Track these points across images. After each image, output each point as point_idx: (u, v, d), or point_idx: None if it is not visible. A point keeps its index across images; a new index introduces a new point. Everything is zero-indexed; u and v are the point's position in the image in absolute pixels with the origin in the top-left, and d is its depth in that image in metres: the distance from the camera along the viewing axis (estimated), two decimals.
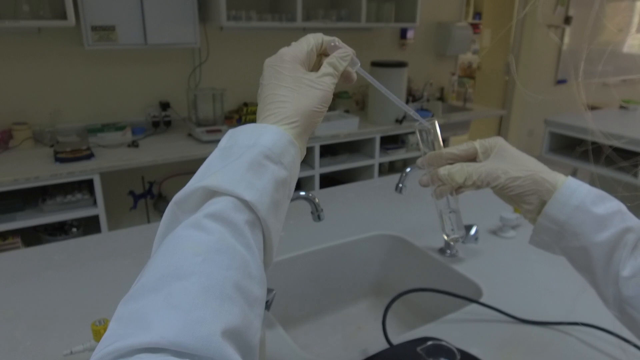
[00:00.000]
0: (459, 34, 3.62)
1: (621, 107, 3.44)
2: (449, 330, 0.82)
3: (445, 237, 0.66)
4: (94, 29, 2.28)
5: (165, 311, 0.31)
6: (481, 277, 0.99)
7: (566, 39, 4.66)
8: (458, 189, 0.61)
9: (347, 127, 2.82)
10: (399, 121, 2.99)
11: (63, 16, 2.14)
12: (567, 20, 4.54)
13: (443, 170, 0.59)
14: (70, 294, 0.92)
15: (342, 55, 0.53)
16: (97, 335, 0.69)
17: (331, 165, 2.82)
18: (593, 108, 4.09)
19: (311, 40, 0.53)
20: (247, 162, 0.41)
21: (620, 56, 5.26)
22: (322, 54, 0.54)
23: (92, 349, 0.70)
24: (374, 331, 1.08)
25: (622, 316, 0.55)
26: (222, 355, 0.30)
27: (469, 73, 5.53)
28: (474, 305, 0.88)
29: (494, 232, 1.19)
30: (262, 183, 0.41)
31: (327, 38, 0.54)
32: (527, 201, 0.57)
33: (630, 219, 0.54)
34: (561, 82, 4.79)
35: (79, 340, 0.71)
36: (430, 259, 1.10)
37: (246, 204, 0.39)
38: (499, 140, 0.62)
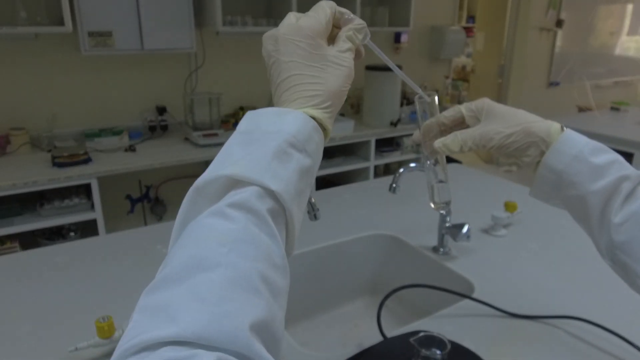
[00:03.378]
0: (453, 37, 3.67)
1: (612, 108, 3.49)
2: (441, 325, 0.84)
3: (432, 205, 0.69)
4: (91, 34, 2.30)
5: (192, 304, 0.30)
6: (473, 274, 1.02)
7: (558, 42, 4.72)
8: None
9: (342, 130, 2.85)
10: (394, 124, 3.02)
11: (60, 22, 2.16)
12: (559, 23, 4.59)
13: (437, 144, 0.62)
14: (73, 294, 0.94)
15: (358, 27, 0.49)
16: (101, 332, 0.72)
17: (327, 167, 2.85)
18: (585, 110, 4.14)
19: (327, 10, 0.48)
20: (272, 150, 0.39)
21: (613, 58, 5.32)
22: (335, 25, 0.50)
23: (96, 345, 0.72)
24: (370, 328, 1.10)
25: (615, 264, 0.56)
26: (249, 350, 0.30)
27: (463, 76, 5.59)
28: (466, 301, 0.90)
29: (486, 231, 1.22)
30: (287, 173, 0.39)
31: (340, 8, 0.49)
32: (525, 154, 0.59)
33: (627, 168, 0.56)
34: (553, 84, 4.84)
35: (83, 337, 0.73)
36: (424, 257, 1.12)
37: (271, 193, 0.38)
38: (485, 101, 0.63)
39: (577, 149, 0.57)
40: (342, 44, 0.48)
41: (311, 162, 0.42)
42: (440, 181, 0.67)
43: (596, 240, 0.58)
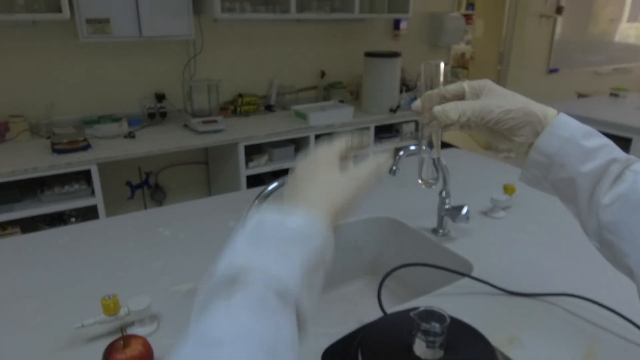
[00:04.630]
0: (452, 24, 3.65)
1: (611, 94, 3.49)
2: (441, 302, 0.85)
3: (420, 181, 0.70)
4: (89, 21, 2.29)
5: None
6: (472, 254, 1.03)
7: (558, 29, 4.70)
8: (445, 127, 0.64)
9: (341, 117, 2.85)
10: (393, 110, 3.02)
11: (58, 9, 2.15)
12: (559, 10, 4.58)
13: (437, 108, 0.62)
14: (77, 274, 0.95)
15: (382, 160, 0.54)
16: (107, 309, 0.73)
17: None
18: (584, 96, 4.14)
19: (343, 143, 0.55)
20: (276, 244, 0.42)
21: (612, 45, 5.31)
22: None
23: (102, 322, 0.73)
24: (371, 307, 1.12)
25: (602, 246, 0.57)
26: None
27: (462, 63, 5.57)
28: (465, 280, 0.92)
29: (485, 213, 1.23)
30: (291, 261, 0.41)
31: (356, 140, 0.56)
32: (519, 134, 0.60)
33: (617, 151, 0.57)
34: (553, 71, 4.84)
35: (88, 315, 0.74)
36: (424, 238, 1.14)
37: (278, 280, 0.39)
38: (487, 82, 0.64)
39: (569, 132, 0.57)
40: (358, 168, 0.53)
41: (316, 255, 0.44)
42: (433, 159, 0.68)
43: (584, 222, 0.59)
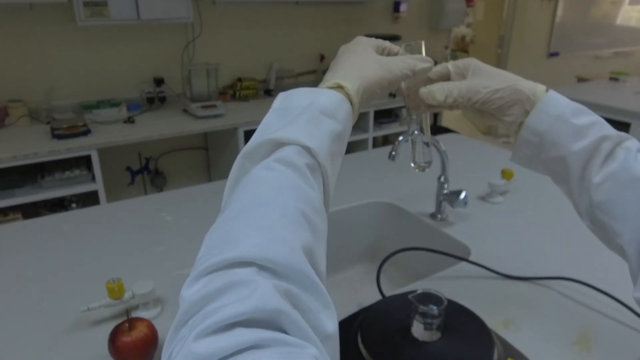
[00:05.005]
0: (453, 7, 3.62)
1: (611, 78, 3.48)
2: (438, 286, 0.87)
3: (413, 164, 0.71)
4: (86, 4, 2.27)
5: (249, 232, 0.36)
6: (470, 238, 1.04)
7: (559, 12, 4.66)
8: (432, 108, 0.65)
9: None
10: (393, 95, 3.01)
11: None
12: None
13: (424, 89, 0.62)
14: (81, 258, 0.97)
15: (421, 59, 0.58)
16: (112, 292, 0.74)
17: None
18: (584, 80, 4.13)
19: (387, 43, 0.60)
20: (306, 118, 0.46)
21: (614, 28, 5.27)
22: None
23: (107, 306, 0.75)
24: (370, 291, 1.14)
25: (594, 226, 0.58)
26: (300, 267, 0.35)
27: (462, 46, 5.53)
28: (462, 264, 0.94)
29: (483, 198, 1.24)
30: (320, 134, 0.45)
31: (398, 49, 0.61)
32: (508, 113, 0.60)
33: (608, 129, 0.57)
34: (553, 54, 4.81)
35: (93, 299, 0.76)
36: (422, 223, 1.15)
37: (308, 150, 0.44)
38: (472, 60, 0.64)
39: (559, 109, 0.57)
40: (395, 56, 0.59)
41: (341, 128, 0.48)
42: (425, 142, 0.69)
43: (576, 202, 0.59)
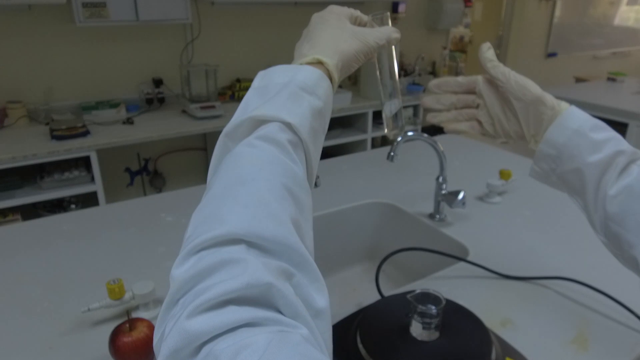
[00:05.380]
0: (451, 7, 3.63)
1: (609, 79, 3.49)
2: (437, 286, 0.88)
3: (386, 130, 0.71)
4: (85, 5, 2.27)
5: (237, 208, 0.36)
6: (468, 239, 1.05)
7: (557, 12, 4.67)
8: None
9: (339, 102, 2.85)
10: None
11: None
12: None
13: (492, 61, 0.65)
14: (82, 259, 0.97)
15: (391, 35, 0.58)
16: (112, 293, 0.75)
17: (324, 140, 2.85)
18: (582, 80, 4.14)
19: (358, 12, 0.60)
20: (286, 94, 0.45)
21: (611, 28, 5.28)
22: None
23: (107, 306, 0.76)
24: (369, 291, 1.14)
25: (608, 239, 0.59)
26: (289, 242, 0.35)
27: (460, 47, 5.54)
28: (460, 264, 0.94)
29: (481, 198, 1.25)
30: (301, 110, 0.45)
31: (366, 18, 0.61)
32: (528, 101, 0.62)
33: (624, 144, 0.58)
34: (551, 55, 4.82)
35: (94, 299, 0.76)
36: (421, 223, 1.16)
37: (289, 127, 0.44)
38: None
39: (578, 124, 0.59)
40: (368, 27, 0.59)
41: (322, 104, 0.48)
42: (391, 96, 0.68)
43: (590, 215, 0.60)
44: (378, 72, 0.67)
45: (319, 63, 0.50)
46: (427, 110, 0.73)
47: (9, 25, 2.34)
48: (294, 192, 0.40)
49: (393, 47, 0.63)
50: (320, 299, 0.35)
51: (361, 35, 0.54)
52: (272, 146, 0.42)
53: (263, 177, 0.39)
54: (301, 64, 0.50)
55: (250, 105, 0.47)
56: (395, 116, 0.69)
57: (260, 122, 0.44)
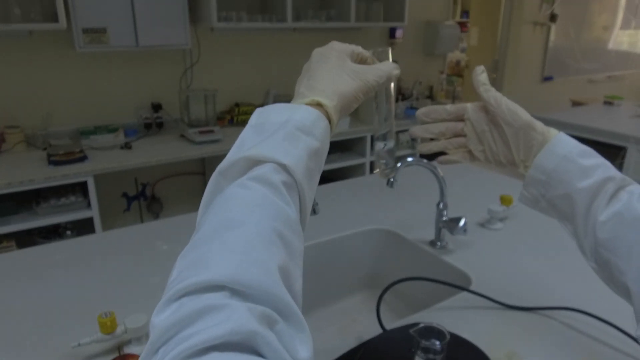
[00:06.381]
0: (447, 32, 3.68)
1: (605, 102, 3.51)
2: (439, 317, 0.85)
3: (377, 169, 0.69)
4: (85, 31, 2.29)
5: (223, 254, 0.35)
6: (470, 266, 1.03)
7: (552, 37, 4.74)
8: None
9: (338, 127, 2.84)
10: None
11: (54, 19, 2.15)
12: (553, 18, 4.61)
13: (486, 86, 0.64)
14: (73, 291, 0.94)
15: (392, 72, 0.57)
16: (104, 327, 0.72)
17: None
18: (579, 104, 4.17)
19: (360, 48, 0.59)
20: (282, 134, 0.45)
21: (606, 52, 5.35)
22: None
23: (99, 341, 0.73)
24: (369, 322, 1.12)
25: (599, 266, 0.58)
26: (275, 291, 0.33)
27: (457, 71, 5.60)
28: (463, 294, 0.92)
29: (482, 225, 1.23)
30: (297, 151, 0.44)
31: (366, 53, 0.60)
32: (530, 144, 0.61)
33: (613, 171, 0.58)
34: (547, 79, 4.87)
35: (85, 333, 0.74)
36: (421, 251, 1.14)
37: (284, 168, 0.43)
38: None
39: (566, 149, 0.59)
40: (369, 61, 0.59)
41: (318, 144, 0.47)
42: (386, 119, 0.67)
43: (581, 241, 0.60)
44: (375, 108, 0.66)
45: (317, 105, 0.50)
46: (415, 140, 0.72)
47: (9, 51, 2.35)
48: (285, 236, 0.39)
49: (392, 83, 0.63)
50: (304, 350, 0.33)
51: (362, 74, 0.54)
52: (266, 188, 0.41)
53: (253, 220, 0.38)
54: (300, 103, 0.50)
55: (246, 143, 0.46)
56: (388, 154, 0.68)
57: (255, 162, 0.43)
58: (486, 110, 0.65)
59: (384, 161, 0.69)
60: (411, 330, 0.62)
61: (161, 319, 0.32)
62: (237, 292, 0.33)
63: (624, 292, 0.56)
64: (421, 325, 0.63)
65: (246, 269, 0.34)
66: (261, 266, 0.35)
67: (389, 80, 0.57)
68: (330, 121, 0.50)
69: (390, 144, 0.68)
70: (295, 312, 0.34)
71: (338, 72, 0.53)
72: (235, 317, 0.30)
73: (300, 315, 0.35)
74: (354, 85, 0.53)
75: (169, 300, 0.33)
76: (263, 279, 0.34)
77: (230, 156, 0.44)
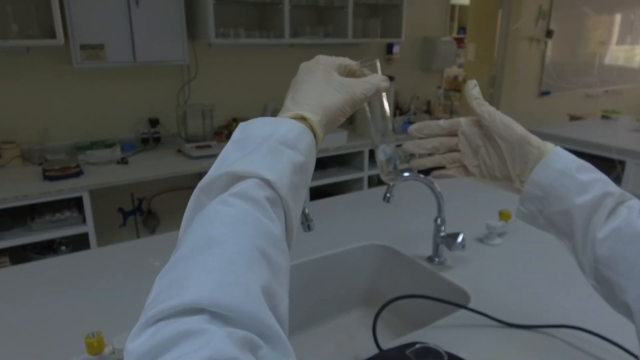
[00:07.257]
0: (444, 48, 3.70)
1: (603, 116, 3.52)
2: (438, 335, 0.83)
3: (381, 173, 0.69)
4: (83, 47, 2.30)
5: (202, 274, 0.33)
6: (469, 283, 1.01)
7: (549, 52, 4.77)
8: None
9: (336, 141, 2.85)
10: None
11: (52, 35, 2.16)
12: (549, 33, 4.65)
13: (474, 89, 0.64)
14: (63, 309, 0.92)
15: (380, 84, 0.56)
16: (91, 347, 0.70)
17: (321, 178, 2.84)
18: (576, 118, 4.18)
19: (347, 60, 0.59)
20: (265, 148, 0.43)
21: (602, 67, 5.39)
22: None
23: None
24: (366, 339, 1.09)
25: (599, 284, 0.56)
26: (257, 313, 0.32)
27: (454, 86, 5.63)
28: (462, 311, 0.90)
29: (481, 240, 1.22)
30: (280, 165, 0.43)
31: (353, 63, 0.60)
32: (525, 159, 0.60)
33: (611, 186, 0.57)
34: (545, 93, 4.89)
35: (72, 353, 0.71)
36: (419, 267, 1.12)
37: (267, 183, 0.41)
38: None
39: (564, 164, 0.58)
40: (357, 74, 0.58)
41: (303, 159, 0.45)
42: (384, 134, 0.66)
43: (580, 258, 0.58)
44: (369, 117, 0.65)
45: (302, 119, 0.48)
46: (413, 155, 0.71)
47: (7, 67, 2.35)
48: (269, 254, 0.37)
49: (383, 93, 0.62)
50: None
51: (348, 87, 0.53)
52: (248, 204, 0.39)
53: (234, 239, 0.36)
54: (284, 117, 0.49)
55: (228, 158, 0.44)
56: (390, 160, 0.66)
57: (238, 177, 0.41)
58: (480, 124, 0.64)
59: (386, 170, 0.69)
60: (407, 351, 0.60)
61: (135, 345, 0.30)
62: (217, 315, 0.31)
63: (625, 310, 0.54)
64: (418, 345, 0.61)
65: (226, 291, 0.32)
66: (243, 287, 0.33)
67: (377, 93, 0.56)
68: (315, 135, 0.48)
69: (390, 147, 0.67)
70: (279, 335, 0.33)
71: (324, 85, 0.52)
72: (213, 344, 0.29)
73: (285, 339, 0.33)
74: (340, 98, 0.52)
75: (145, 325, 0.31)
76: (244, 300, 0.32)
77: (212, 172, 0.43)
